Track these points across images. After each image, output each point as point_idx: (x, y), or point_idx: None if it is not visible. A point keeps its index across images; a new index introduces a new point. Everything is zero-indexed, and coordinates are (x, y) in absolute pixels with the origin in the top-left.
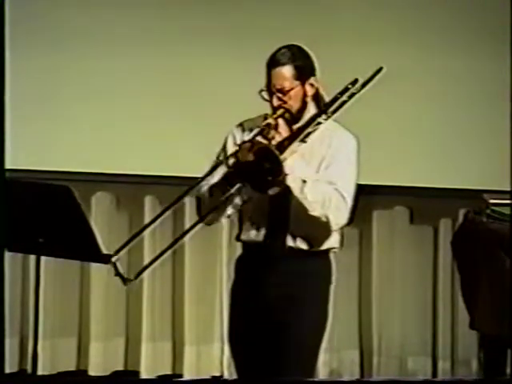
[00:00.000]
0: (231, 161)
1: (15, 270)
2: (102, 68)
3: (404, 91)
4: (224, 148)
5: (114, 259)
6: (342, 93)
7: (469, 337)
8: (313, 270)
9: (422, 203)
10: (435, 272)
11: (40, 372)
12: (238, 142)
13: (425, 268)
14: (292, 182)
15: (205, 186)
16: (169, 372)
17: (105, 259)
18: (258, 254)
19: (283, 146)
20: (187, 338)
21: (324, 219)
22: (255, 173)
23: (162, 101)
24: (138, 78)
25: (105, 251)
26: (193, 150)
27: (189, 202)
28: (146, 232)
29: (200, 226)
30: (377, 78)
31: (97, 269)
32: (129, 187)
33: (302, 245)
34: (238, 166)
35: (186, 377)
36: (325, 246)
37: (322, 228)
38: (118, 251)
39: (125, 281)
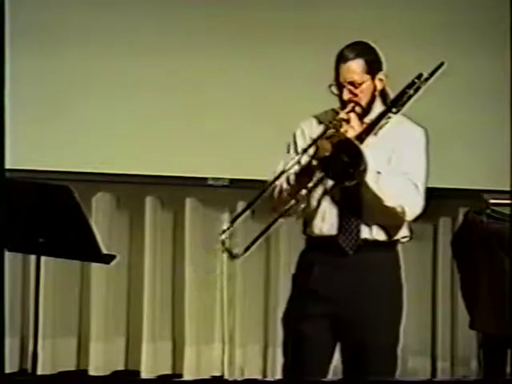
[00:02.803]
0: (310, 153)
1: (15, 270)
2: (102, 68)
3: None
4: (294, 142)
5: (223, 236)
6: (408, 87)
7: (469, 337)
8: (385, 263)
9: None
10: (435, 271)
11: (40, 372)
12: (307, 135)
13: (424, 267)
14: (367, 174)
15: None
16: (169, 372)
17: (105, 259)
18: (328, 247)
19: (361, 138)
20: (187, 338)
21: (399, 209)
22: (336, 165)
23: (162, 101)
24: (138, 78)
25: (105, 251)
26: (193, 150)
27: (189, 203)
28: (147, 232)
29: (200, 225)
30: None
31: (97, 269)
32: (129, 187)
33: (378, 235)
34: (319, 158)
35: (186, 377)
36: (399, 236)
37: (396, 218)
38: (225, 230)
39: (233, 256)
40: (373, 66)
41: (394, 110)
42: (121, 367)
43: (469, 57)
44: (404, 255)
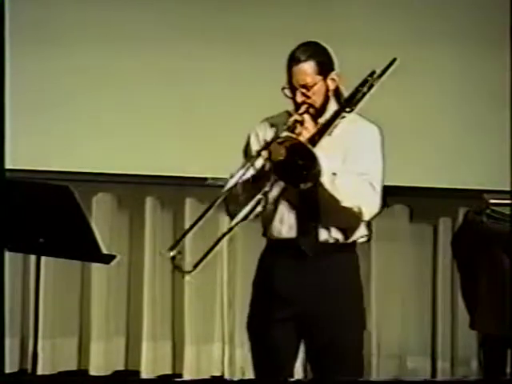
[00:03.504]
0: (264, 157)
1: (15, 270)
2: (102, 68)
3: (403, 92)
4: (247, 146)
5: (171, 254)
6: (362, 85)
7: (469, 337)
8: (344, 264)
9: (422, 202)
10: (435, 271)
11: (40, 372)
12: (261, 139)
13: (424, 267)
14: (323, 175)
15: (231, 185)
16: (169, 372)
17: (105, 259)
18: (288, 249)
19: (314, 140)
20: (187, 338)
21: (356, 210)
22: (290, 168)
23: (162, 101)
24: (139, 78)
25: (105, 251)
26: (193, 150)
27: (189, 203)
28: (147, 232)
29: (199, 225)
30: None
31: (97, 269)
32: (129, 187)
33: (336, 236)
34: (271, 162)
35: (186, 377)
36: (357, 236)
37: (354, 218)
38: (173, 247)
39: (183, 273)
40: (324, 67)
41: (347, 109)
42: (121, 367)
43: (469, 57)
44: (404, 255)
